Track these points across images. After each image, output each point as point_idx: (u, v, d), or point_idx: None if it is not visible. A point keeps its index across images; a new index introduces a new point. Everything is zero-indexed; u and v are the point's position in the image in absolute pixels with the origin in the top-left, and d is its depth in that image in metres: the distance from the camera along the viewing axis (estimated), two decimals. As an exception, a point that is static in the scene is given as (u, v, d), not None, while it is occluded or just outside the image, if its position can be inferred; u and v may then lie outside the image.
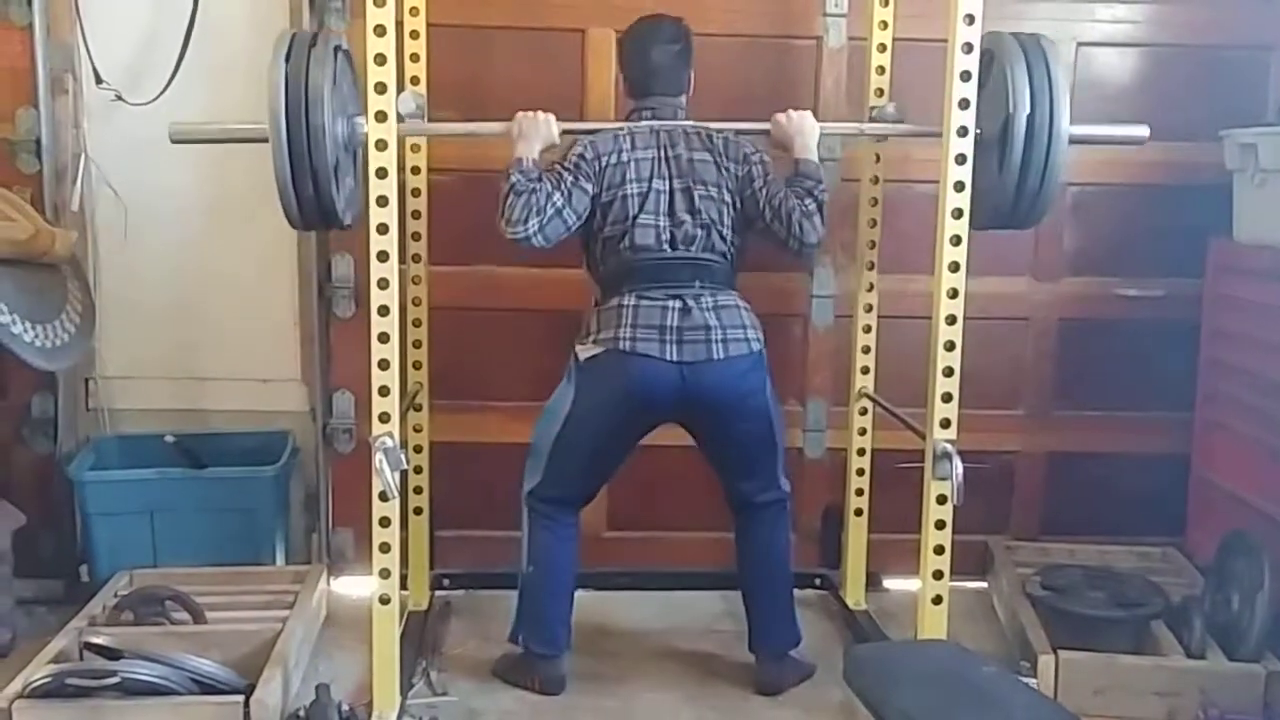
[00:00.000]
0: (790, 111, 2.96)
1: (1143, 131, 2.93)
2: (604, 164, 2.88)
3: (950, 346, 2.72)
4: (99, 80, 3.40)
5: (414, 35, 3.21)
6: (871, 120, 3.25)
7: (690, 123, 2.95)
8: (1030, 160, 2.72)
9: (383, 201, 2.56)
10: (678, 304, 2.84)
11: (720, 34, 3.52)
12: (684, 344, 2.82)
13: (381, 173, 2.55)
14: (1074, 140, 2.75)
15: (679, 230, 2.88)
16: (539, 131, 2.87)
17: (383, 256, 2.58)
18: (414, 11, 3.20)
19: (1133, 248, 3.68)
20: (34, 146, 3.40)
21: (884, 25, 3.29)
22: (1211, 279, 3.54)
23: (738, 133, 2.96)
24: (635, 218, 2.87)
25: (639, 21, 3.06)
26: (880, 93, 3.29)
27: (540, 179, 2.83)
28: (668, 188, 2.89)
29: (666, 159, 2.90)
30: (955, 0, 2.60)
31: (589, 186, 2.87)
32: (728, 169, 2.91)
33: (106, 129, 3.48)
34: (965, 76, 2.64)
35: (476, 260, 3.56)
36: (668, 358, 2.81)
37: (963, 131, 2.66)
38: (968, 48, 2.62)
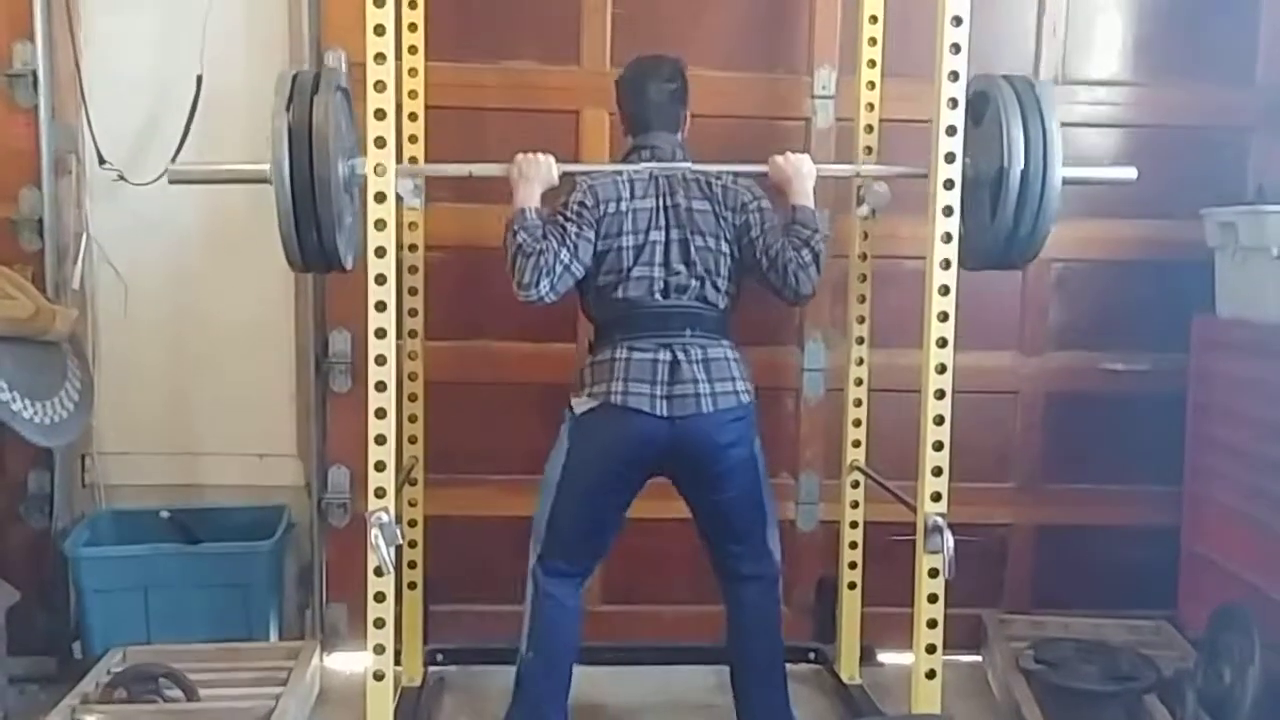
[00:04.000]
0: (788, 154, 2.98)
1: (1130, 173, 3.00)
2: (604, 211, 2.87)
3: (939, 420, 2.76)
4: (102, 161, 3.46)
5: (412, 117, 3.28)
6: (860, 201, 3.31)
7: (689, 165, 2.95)
8: (1023, 209, 2.78)
9: (381, 280, 2.61)
10: (668, 356, 2.83)
11: (710, 115, 3.58)
12: (673, 399, 2.82)
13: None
14: (1066, 182, 2.80)
15: (673, 279, 2.88)
16: (539, 173, 2.88)
17: (381, 333, 2.63)
18: (412, 94, 3.28)
19: (1118, 323, 3.74)
20: (37, 225, 3.45)
21: (870, 107, 3.37)
22: (1196, 354, 3.58)
23: (735, 175, 2.96)
24: (630, 270, 2.87)
25: (636, 60, 3.08)
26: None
27: (545, 235, 2.82)
28: (664, 238, 2.88)
29: (665, 208, 2.89)
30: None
31: (591, 235, 2.86)
32: (725, 218, 2.91)
33: (108, 209, 3.54)
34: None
35: (472, 335, 3.61)
36: (658, 413, 2.81)
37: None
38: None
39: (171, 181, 2.86)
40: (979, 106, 2.84)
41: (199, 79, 3.43)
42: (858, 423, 3.46)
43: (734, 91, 3.61)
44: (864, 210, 3.33)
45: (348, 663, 3.58)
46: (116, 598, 3.34)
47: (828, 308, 3.66)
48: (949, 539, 2.71)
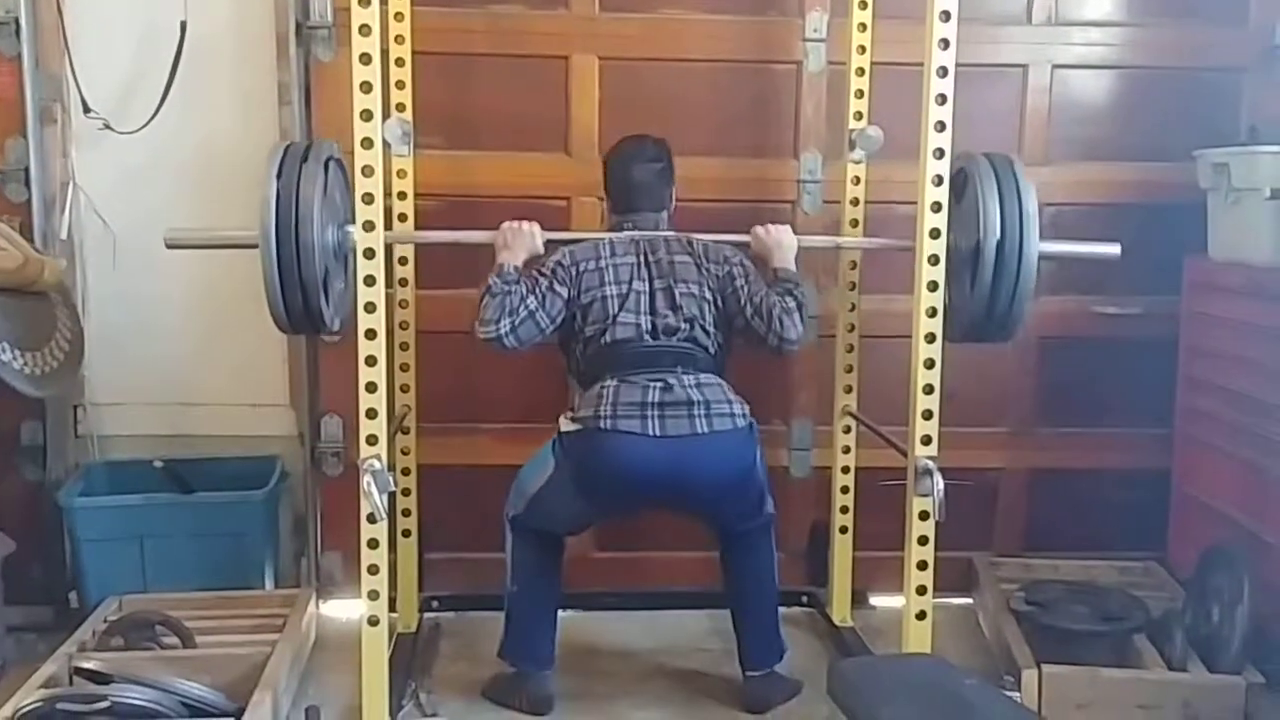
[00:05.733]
0: (769, 226, 3.04)
1: (1114, 250, 3.01)
2: (581, 269, 2.94)
3: (930, 364, 2.77)
4: (87, 109, 3.43)
5: (399, 63, 3.24)
6: (853, 145, 3.30)
7: (671, 232, 3.02)
8: (1000, 282, 2.80)
9: (369, 226, 2.60)
10: (659, 383, 2.85)
11: (701, 59, 3.58)
12: (666, 419, 2.82)
13: (368, 198, 2.60)
14: (1044, 257, 2.84)
15: (660, 322, 2.92)
16: (523, 242, 2.93)
17: (370, 281, 2.62)
18: (399, 39, 3.24)
19: (1110, 266, 3.70)
20: (23, 175, 3.42)
21: (862, 50, 3.34)
22: (1188, 296, 3.59)
23: (717, 242, 3.03)
24: (615, 316, 2.92)
25: (621, 142, 3.14)
26: (859, 116, 3.34)
27: (517, 282, 2.88)
28: (648, 288, 2.94)
29: (646, 263, 2.96)
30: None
31: (563, 291, 2.92)
32: (708, 269, 2.97)
33: (95, 158, 3.51)
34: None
35: (463, 283, 3.58)
36: (650, 433, 2.80)
37: (938, 181, 2.73)
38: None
39: (169, 246, 2.91)
40: (960, 184, 2.87)
41: (183, 25, 3.40)
42: (850, 368, 3.46)
43: (724, 35, 3.58)
44: (856, 155, 3.33)
45: (343, 610, 3.60)
46: (112, 547, 3.35)
47: (819, 253, 3.64)
48: (939, 482, 2.72)
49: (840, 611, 3.55)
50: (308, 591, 3.46)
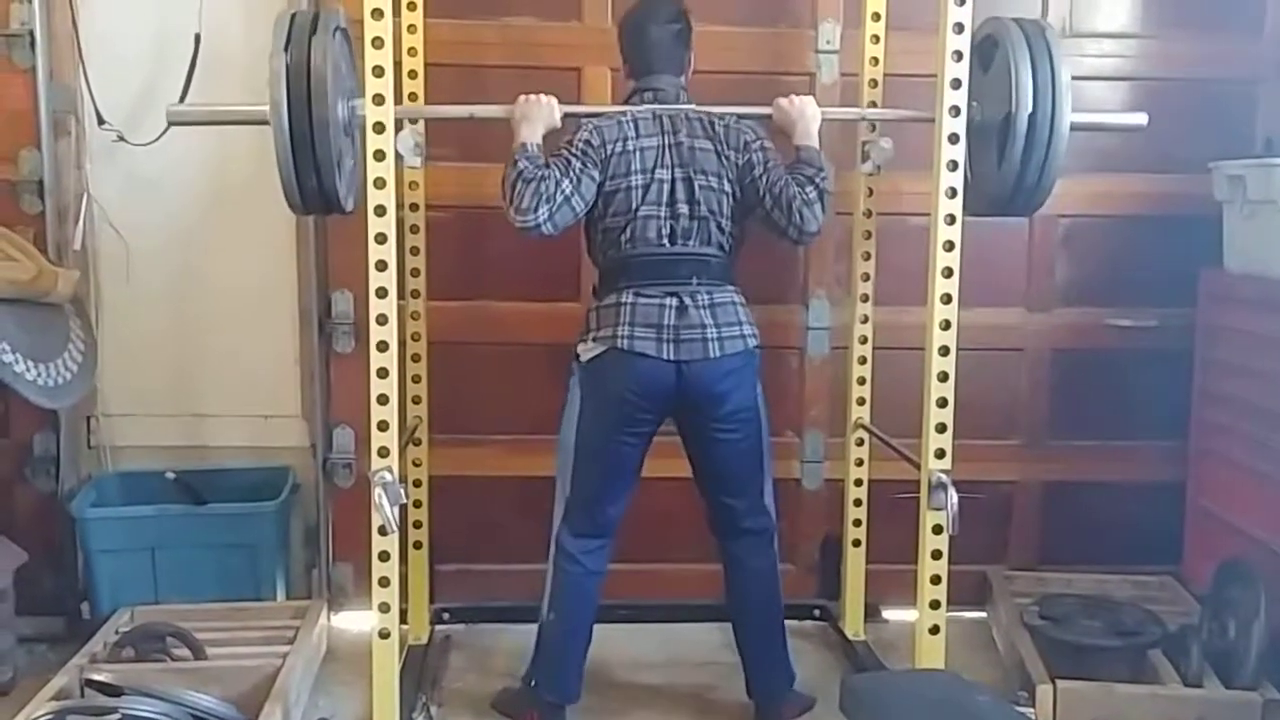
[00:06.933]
0: (792, 96, 2.96)
1: (1141, 119, 2.97)
2: (610, 151, 2.86)
3: (944, 377, 2.76)
4: (101, 121, 3.44)
5: (412, 75, 3.25)
6: (865, 157, 3.28)
7: (693, 107, 2.93)
8: (1031, 154, 2.75)
9: (381, 239, 2.60)
10: (674, 301, 2.84)
11: (714, 71, 3.56)
12: (680, 343, 2.83)
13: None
14: (1075, 128, 2.77)
15: (678, 223, 2.87)
16: (541, 115, 2.86)
17: (382, 293, 2.62)
18: (412, 51, 3.25)
19: (1125, 278, 3.72)
20: (37, 187, 3.44)
21: (875, 61, 3.33)
22: (1203, 309, 3.57)
23: (739, 117, 2.95)
24: (637, 209, 2.86)
25: (638, 2, 3.05)
26: (872, 127, 3.33)
27: (548, 165, 2.82)
28: (669, 176, 2.87)
29: (669, 146, 2.88)
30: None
31: (596, 174, 2.85)
32: (728, 157, 2.89)
33: (109, 169, 3.52)
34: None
35: (474, 295, 3.60)
36: (665, 356, 2.82)
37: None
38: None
39: (171, 123, 2.86)
40: (988, 51, 2.81)
41: (197, 38, 3.41)
42: (862, 380, 3.44)
43: (737, 46, 3.57)
44: (868, 166, 3.32)
45: (354, 622, 3.60)
46: (124, 558, 3.35)
47: (831, 265, 3.65)
48: (953, 495, 2.71)
49: (853, 625, 3.53)
50: (319, 603, 3.46)
